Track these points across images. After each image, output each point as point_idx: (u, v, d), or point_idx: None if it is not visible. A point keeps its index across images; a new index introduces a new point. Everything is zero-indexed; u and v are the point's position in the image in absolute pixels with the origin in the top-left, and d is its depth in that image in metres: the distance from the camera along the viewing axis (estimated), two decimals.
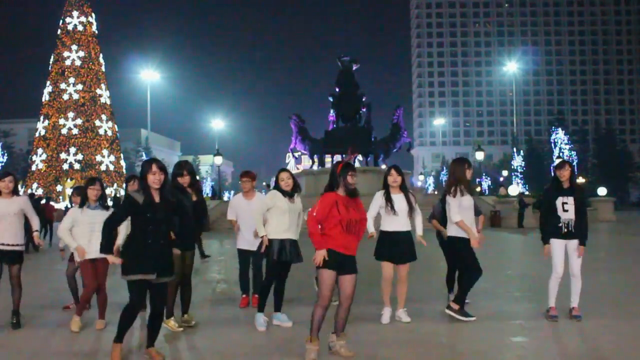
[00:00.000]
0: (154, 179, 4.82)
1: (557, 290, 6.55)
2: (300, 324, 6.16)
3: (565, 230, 6.44)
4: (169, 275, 4.97)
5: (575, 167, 65.27)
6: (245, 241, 7.37)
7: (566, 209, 6.43)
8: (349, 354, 5.05)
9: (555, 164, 7.27)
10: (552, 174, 6.68)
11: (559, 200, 6.45)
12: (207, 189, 74.54)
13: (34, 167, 56.22)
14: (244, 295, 7.62)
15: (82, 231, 6.24)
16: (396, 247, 6.44)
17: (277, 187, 6.45)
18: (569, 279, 6.55)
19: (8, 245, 6.28)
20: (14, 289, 6.43)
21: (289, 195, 6.37)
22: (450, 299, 6.92)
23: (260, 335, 5.95)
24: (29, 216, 6.50)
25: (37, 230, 6.54)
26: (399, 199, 6.45)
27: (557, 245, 6.49)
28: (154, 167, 4.82)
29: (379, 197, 6.52)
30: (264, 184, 60.51)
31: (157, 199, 4.86)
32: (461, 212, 6.39)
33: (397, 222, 6.42)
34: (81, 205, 6.32)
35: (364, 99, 36.89)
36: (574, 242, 6.47)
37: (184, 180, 6.26)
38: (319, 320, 4.94)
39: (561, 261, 6.50)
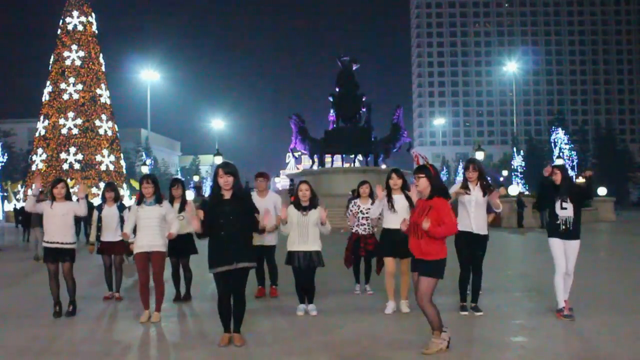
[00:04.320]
0: (223, 181, 5.45)
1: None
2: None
3: (564, 227, 6.59)
4: (247, 260, 5.43)
5: (576, 167, 65.43)
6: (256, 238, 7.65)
7: (564, 207, 6.60)
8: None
9: (554, 164, 7.42)
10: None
11: (558, 200, 6.64)
12: (207, 189, 74.51)
13: (34, 167, 56.22)
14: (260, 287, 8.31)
15: (138, 226, 6.69)
16: (398, 244, 6.75)
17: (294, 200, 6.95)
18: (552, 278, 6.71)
19: (58, 243, 6.97)
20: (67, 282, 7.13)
21: (302, 208, 6.79)
22: (470, 305, 7.01)
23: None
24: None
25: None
26: (399, 198, 7.01)
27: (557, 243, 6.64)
28: (221, 172, 5.47)
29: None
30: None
31: (227, 196, 5.47)
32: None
33: (397, 220, 6.60)
34: (139, 203, 6.73)
35: (364, 99, 36.89)
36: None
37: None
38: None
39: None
